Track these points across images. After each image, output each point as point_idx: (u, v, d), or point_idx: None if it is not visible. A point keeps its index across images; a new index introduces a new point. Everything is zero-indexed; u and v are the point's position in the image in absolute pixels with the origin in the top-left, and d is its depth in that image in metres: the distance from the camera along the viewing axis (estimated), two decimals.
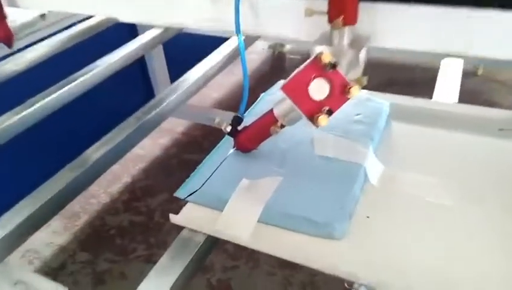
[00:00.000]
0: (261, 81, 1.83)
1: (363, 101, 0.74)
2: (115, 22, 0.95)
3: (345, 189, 0.56)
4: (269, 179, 0.59)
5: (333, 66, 0.50)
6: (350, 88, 0.50)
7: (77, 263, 1.15)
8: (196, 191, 0.59)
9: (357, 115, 0.71)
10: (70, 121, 1.29)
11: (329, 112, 0.52)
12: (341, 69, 0.51)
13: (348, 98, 0.51)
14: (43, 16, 1.10)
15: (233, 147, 0.66)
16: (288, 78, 0.53)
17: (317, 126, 0.52)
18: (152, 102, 0.88)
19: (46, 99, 0.85)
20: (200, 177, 0.61)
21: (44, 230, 1.23)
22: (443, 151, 0.64)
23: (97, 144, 0.78)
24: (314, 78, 0.51)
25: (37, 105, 0.84)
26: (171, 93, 0.91)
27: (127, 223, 1.24)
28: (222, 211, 0.55)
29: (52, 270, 1.14)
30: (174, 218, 0.57)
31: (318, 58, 0.51)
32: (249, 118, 0.66)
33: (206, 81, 1.00)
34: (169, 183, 1.41)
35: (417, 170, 0.60)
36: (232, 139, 0.66)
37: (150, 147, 1.52)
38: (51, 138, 1.29)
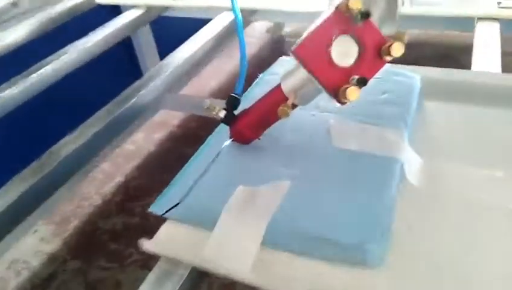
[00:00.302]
0: (258, 67, 1.72)
1: (389, 75, 0.60)
2: (94, 4, 0.84)
3: (378, 195, 0.42)
4: (274, 185, 0.46)
5: (365, 15, 0.38)
6: (390, 46, 0.38)
7: (68, 271, 1.06)
8: (177, 204, 0.46)
9: (384, 93, 0.57)
10: (49, 107, 1.20)
11: (362, 82, 0.39)
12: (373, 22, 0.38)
13: (386, 62, 0.39)
14: (15, 3, 0.99)
15: (230, 138, 0.55)
16: (301, 39, 0.40)
17: (343, 102, 0.40)
18: (137, 83, 0.77)
19: (20, 85, 0.76)
20: (183, 185, 0.49)
21: (31, 237, 1.14)
22: (491, 135, 0.51)
23: (65, 139, 0.66)
24: (337, 35, 0.38)
25: (12, 89, 0.74)
26: (154, 78, 0.79)
27: (120, 227, 1.15)
28: (211, 231, 0.42)
29: (41, 281, 1.05)
30: (146, 244, 0.44)
31: (342, 7, 0.38)
32: (246, 102, 0.54)
33: (199, 62, 0.88)
34: (166, 180, 1.32)
35: (464, 162, 0.47)
36: (227, 128, 0.55)
37: (143, 142, 1.42)
38: (28, 124, 1.22)
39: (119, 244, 1.10)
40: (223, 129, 0.57)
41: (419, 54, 1.66)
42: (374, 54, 0.39)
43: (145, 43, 1.42)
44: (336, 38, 0.39)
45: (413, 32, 1.56)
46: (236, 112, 0.54)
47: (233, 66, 1.78)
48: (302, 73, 0.42)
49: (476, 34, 0.83)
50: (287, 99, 0.46)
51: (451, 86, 0.59)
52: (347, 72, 0.39)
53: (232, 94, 0.54)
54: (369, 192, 0.43)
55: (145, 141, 1.43)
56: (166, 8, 1.00)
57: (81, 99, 1.24)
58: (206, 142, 0.58)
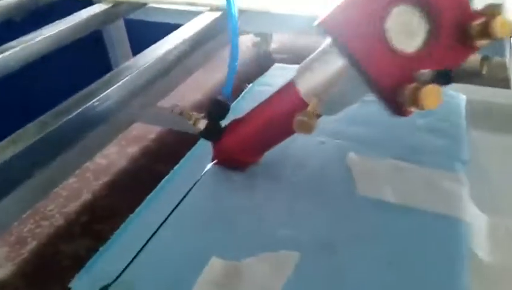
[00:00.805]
0: (243, 82, 1.64)
1: None
2: None
3: (442, 282, 0.27)
4: (271, 257, 0.29)
5: None
6: (487, 23, 0.23)
7: None
8: (109, 285, 0.32)
9: (422, 117, 0.45)
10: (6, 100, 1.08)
11: (444, 77, 0.25)
12: None
13: (476, 49, 0.26)
14: None
15: (212, 161, 0.42)
16: (331, 10, 0.26)
17: (405, 113, 0.27)
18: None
19: None
20: (122, 250, 0.35)
21: None
22: None
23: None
24: (395, 4, 0.25)
25: None
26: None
27: (84, 252, 1.02)
28: None
29: None
30: None
31: None
32: (232, 117, 0.43)
33: (175, 62, 0.77)
34: (138, 200, 1.21)
35: None
36: (207, 148, 0.42)
37: (116, 157, 1.30)
38: None
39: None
40: (199, 152, 0.44)
41: None
42: (454, 34, 0.24)
43: (118, 44, 1.31)
44: (393, 7, 0.25)
45: None
46: (222, 123, 0.41)
47: (217, 80, 1.69)
48: (334, 63, 0.29)
49: None
50: (304, 105, 0.31)
51: (499, 110, 0.49)
52: (410, 62, 0.26)
53: (217, 98, 0.40)
54: (427, 281, 0.27)
55: (118, 155, 1.31)
56: (137, 4, 0.93)
57: (42, 94, 1.12)
58: (171, 174, 0.43)
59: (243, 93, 0.54)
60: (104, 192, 1.19)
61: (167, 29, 1.10)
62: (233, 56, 0.41)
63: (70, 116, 0.55)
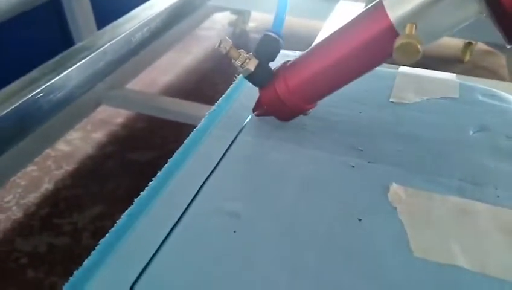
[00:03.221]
0: (219, 65, 1.55)
1: (475, 95, 0.42)
2: None
3: None
4: None
5: None
6: None
7: None
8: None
9: (477, 130, 0.38)
10: None
11: None
12: None
13: None
14: None
15: (254, 112, 0.39)
16: None
17: None
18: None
19: None
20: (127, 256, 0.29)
21: None
22: None
23: None
24: None
25: None
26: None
27: (44, 248, 0.93)
28: None
29: None
30: None
31: None
32: (219, 116, 0.39)
33: (146, 40, 0.68)
34: (104, 192, 1.12)
35: None
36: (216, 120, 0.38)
37: (80, 143, 1.20)
38: None
39: (38, 272, 0.88)
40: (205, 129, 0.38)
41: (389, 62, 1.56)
42: None
43: (81, 16, 1.17)
44: None
45: None
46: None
47: (189, 60, 1.59)
48: None
49: None
50: (393, 35, 0.28)
51: None
52: None
53: (269, 34, 0.35)
54: None
55: (82, 141, 1.21)
56: None
57: None
58: (175, 157, 0.37)
59: (231, 88, 0.46)
60: (67, 182, 1.09)
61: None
62: None
63: (25, 98, 0.47)
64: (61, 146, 1.18)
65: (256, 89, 0.39)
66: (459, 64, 1.55)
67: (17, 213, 1.01)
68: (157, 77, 1.48)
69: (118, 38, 0.60)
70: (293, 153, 0.37)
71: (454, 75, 0.47)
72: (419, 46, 0.27)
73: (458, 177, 0.34)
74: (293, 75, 0.36)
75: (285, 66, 0.37)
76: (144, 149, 1.16)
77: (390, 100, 0.42)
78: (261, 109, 0.39)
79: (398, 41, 0.28)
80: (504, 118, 0.40)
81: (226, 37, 0.36)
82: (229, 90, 0.47)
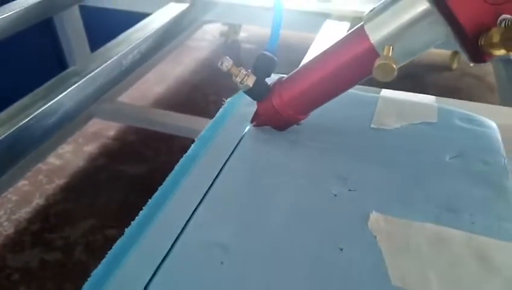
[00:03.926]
0: (210, 75, 1.56)
1: (452, 119, 0.43)
2: None
3: None
4: None
5: None
6: None
7: None
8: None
9: (454, 155, 0.39)
10: None
11: None
12: None
13: None
14: None
15: (252, 122, 0.43)
16: None
17: (486, 59, 0.30)
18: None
19: None
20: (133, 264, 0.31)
21: None
22: None
23: None
24: None
25: None
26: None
27: (36, 264, 0.93)
28: None
29: None
30: None
31: None
32: (204, 145, 0.40)
33: (140, 60, 0.69)
34: (96, 205, 1.12)
35: None
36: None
37: (71, 157, 1.20)
38: None
39: (31, 288, 0.88)
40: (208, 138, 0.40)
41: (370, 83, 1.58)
42: None
43: (73, 33, 1.18)
44: None
45: None
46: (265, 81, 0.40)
47: (181, 71, 1.60)
48: (413, 7, 0.31)
49: None
50: (373, 55, 0.33)
51: None
52: (496, 8, 0.29)
53: (264, 53, 0.39)
54: None
55: (74, 154, 1.21)
56: None
57: None
58: (182, 162, 0.40)
59: (218, 114, 0.47)
60: (59, 196, 1.09)
61: (127, 17, 1.01)
62: (278, 8, 0.39)
63: (16, 127, 0.48)
64: (53, 160, 1.19)
65: (245, 112, 0.43)
66: (448, 71, 1.57)
67: (8, 229, 1.01)
68: (149, 88, 1.48)
69: (108, 63, 0.61)
70: (280, 182, 0.38)
71: (434, 98, 0.49)
72: (394, 66, 0.32)
73: (435, 204, 0.35)
74: (287, 90, 0.40)
75: (280, 82, 0.41)
76: (135, 162, 1.16)
77: (372, 126, 0.44)
78: (258, 119, 0.43)
79: (377, 62, 0.32)
80: (480, 143, 0.41)
81: (227, 57, 0.40)
82: (218, 113, 0.48)
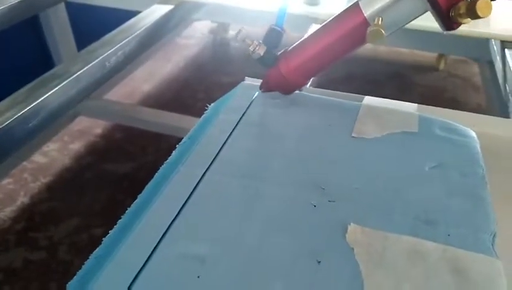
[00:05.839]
0: (199, 73, 1.55)
1: (432, 129, 0.44)
2: None
3: None
4: None
5: None
6: None
7: None
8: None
9: (433, 166, 0.39)
10: None
11: None
12: None
13: None
14: None
15: (260, 88, 0.49)
16: None
17: (455, 25, 0.38)
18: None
19: None
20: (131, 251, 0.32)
21: None
22: None
23: None
24: None
25: None
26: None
27: (19, 264, 0.93)
28: None
29: None
30: None
31: None
32: (193, 145, 0.41)
33: (128, 58, 0.69)
34: (81, 204, 1.11)
35: None
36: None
37: (57, 155, 1.19)
38: None
39: (15, 289, 0.87)
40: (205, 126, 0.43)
41: (369, 70, 1.59)
42: None
43: (59, 31, 1.16)
44: None
45: (364, 47, 1.46)
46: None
47: (169, 68, 1.59)
48: None
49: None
50: (366, 25, 0.40)
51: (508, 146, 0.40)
52: None
53: (273, 27, 0.45)
54: None
55: (59, 152, 1.20)
56: None
57: None
58: (175, 154, 0.42)
59: (202, 118, 0.47)
60: (44, 195, 1.08)
61: (114, 15, 1.00)
62: None
63: (6, 124, 0.48)
64: (38, 158, 1.17)
65: (226, 120, 0.47)
66: (435, 72, 1.59)
67: None
68: (137, 86, 1.47)
69: (93, 64, 0.60)
70: (258, 192, 0.38)
71: (416, 105, 0.49)
72: (383, 32, 0.39)
73: (412, 215, 0.36)
74: (293, 58, 0.46)
75: (286, 51, 0.47)
76: (122, 160, 1.16)
77: (352, 135, 0.44)
78: (267, 85, 0.49)
79: (370, 28, 0.40)
80: (459, 154, 0.41)
81: (244, 27, 0.45)
82: (200, 120, 0.48)
